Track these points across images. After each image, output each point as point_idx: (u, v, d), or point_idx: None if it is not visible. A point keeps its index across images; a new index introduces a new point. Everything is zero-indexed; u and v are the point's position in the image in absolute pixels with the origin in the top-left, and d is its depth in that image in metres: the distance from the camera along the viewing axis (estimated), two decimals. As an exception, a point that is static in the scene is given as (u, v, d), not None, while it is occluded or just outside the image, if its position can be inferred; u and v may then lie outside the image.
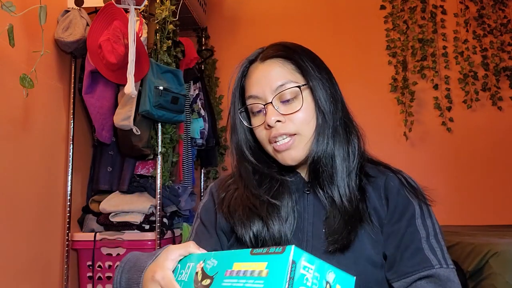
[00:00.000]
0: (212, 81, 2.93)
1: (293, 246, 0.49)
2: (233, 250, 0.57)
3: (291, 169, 0.86)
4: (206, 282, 0.56)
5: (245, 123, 0.86)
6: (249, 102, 0.84)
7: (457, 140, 2.83)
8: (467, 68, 2.86)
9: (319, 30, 2.99)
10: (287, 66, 0.83)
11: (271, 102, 0.80)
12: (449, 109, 2.85)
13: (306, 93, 0.81)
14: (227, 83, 3.08)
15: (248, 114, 0.87)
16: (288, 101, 0.80)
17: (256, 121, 0.84)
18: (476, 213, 2.73)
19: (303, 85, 0.81)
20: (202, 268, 0.59)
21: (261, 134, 0.83)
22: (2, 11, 1.38)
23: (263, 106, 0.82)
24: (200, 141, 2.50)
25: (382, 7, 2.99)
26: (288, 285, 0.47)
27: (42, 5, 1.47)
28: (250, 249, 0.55)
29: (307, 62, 0.83)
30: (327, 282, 0.50)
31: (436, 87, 2.87)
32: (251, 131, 0.87)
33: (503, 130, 2.82)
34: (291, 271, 0.48)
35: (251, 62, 0.87)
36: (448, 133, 2.84)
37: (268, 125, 0.80)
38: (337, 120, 0.82)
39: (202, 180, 2.88)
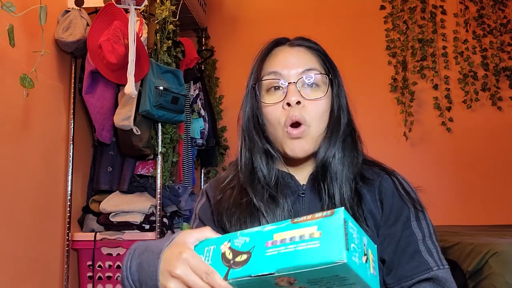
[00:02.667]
0: (212, 81, 2.93)
1: (342, 208, 0.53)
2: (264, 226, 0.58)
3: (289, 166, 0.85)
4: (242, 257, 0.56)
5: (260, 98, 0.82)
6: (269, 77, 0.82)
7: (457, 140, 2.83)
8: (467, 68, 2.86)
9: (319, 30, 2.97)
10: (315, 57, 0.84)
11: (295, 83, 0.79)
12: (449, 109, 2.85)
13: (330, 86, 0.82)
14: (227, 83, 3.08)
15: (260, 92, 0.83)
16: (311, 85, 0.80)
17: (271, 98, 0.81)
18: (476, 213, 2.73)
19: (329, 77, 0.82)
20: (230, 247, 0.58)
21: (275, 113, 0.80)
22: (2, 11, 1.38)
23: (284, 84, 0.80)
24: (200, 141, 2.50)
25: (382, 7, 2.99)
26: (346, 240, 0.49)
27: (42, 5, 1.47)
28: (289, 220, 0.56)
29: (332, 61, 0.85)
30: (364, 245, 0.54)
31: (436, 87, 2.87)
32: None
33: (503, 130, 2.82)
34: (345, 228, 0.50)
35: (278, 44, 0.87)
36: (448, 133, 2.84)
37: (288, 104, 0.78)
38: (348, 127, 0.83)
39: (202, 180, 2.88)
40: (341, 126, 0.81)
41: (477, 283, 1.64)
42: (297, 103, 0.77)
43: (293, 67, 0.80)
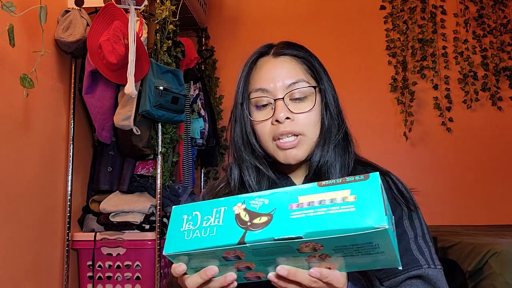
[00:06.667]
0: (212, 81, 2.93)
1: (377, 173, 0.51)
2: (284, 188, 0.54)
3: (283, 172, 0.86)
4: (261, 219, 0.52)
5: (249, 116, 0.83)
6: (256, 95, 0.82)
7: (457, 140, 2.83)
8: (467, 68, 2.86)
9: (319, 30, 2.99)
10: (300, 65, 0.83)
11: (282, 98, 0.79)
12: (449, 109, 2.85)
13: (318, 96, 0.82)
14: (227, 83, 3.07)
15: (249, 108, 0.84)
16: (298, 99, 0.80)
17: (260, 115, 0.82)
18: (476, 213, 2.73)
19: (316, 87, 0.81)
20: (246, 209, 0.54)
21: (264, 129, 0.81)
22: (2, 11, 1.38)
23: (272, 101, 0.80)
24: (200, 141, 2.50)
25: (382, 7, 2.99)
26: (385, 205, 0.48)
27: (42, 5, 1.47)
28: (315, 183, 0.53)
29: (319, 66, 0.84)
30: (390, 212, 0.52)
31: (436, 87, 2.87)
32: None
33: (503, 130, 2.82)
34: (382, 193, 0.49)
35: (262, 54, 0.86)
36: (448, 133, 2.84)
37: (277, 121, 0.78)
38: (340, 129, 0.83)
39: (202, 180, 2.88)
40: (332, 133, 0.81)
41: (477, 283, 1.64)
42: (286, 119, 0.78)
43: (278, 81, 0.80)
